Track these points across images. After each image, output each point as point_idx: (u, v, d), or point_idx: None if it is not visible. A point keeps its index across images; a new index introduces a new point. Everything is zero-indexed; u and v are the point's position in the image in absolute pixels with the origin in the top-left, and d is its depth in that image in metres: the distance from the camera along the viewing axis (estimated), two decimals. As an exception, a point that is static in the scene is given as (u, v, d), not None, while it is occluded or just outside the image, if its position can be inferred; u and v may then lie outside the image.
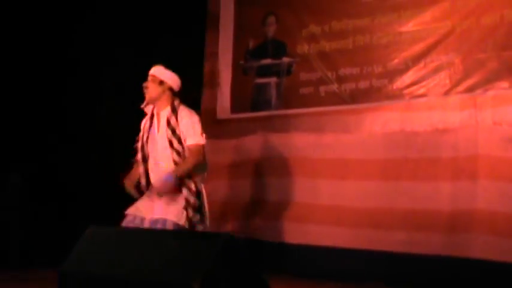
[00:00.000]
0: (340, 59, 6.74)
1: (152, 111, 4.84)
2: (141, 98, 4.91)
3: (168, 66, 7.26)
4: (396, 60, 6.36)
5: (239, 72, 7.55)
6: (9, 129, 7.26)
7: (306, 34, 7.02)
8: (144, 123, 4.87)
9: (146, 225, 4.63)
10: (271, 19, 7.33)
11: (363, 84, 6.57)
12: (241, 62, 7.52)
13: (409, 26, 6.30)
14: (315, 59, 6.92)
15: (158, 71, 4.83)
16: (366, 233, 6.27)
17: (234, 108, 7.56)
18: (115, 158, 7.05)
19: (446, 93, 6.02)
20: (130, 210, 4.72)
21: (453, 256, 5.72)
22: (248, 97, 7.46)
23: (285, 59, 7.18)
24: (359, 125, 6.55)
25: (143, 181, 4.73)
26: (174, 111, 4.73)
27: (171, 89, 4.80)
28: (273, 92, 7.25)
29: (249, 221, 7.14)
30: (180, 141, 4.65)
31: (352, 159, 6.53)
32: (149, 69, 7.17)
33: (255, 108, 7.39)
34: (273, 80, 7.26)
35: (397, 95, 6.33)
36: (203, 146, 4.73)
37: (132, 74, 7.03)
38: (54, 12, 7.22)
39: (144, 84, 4.77)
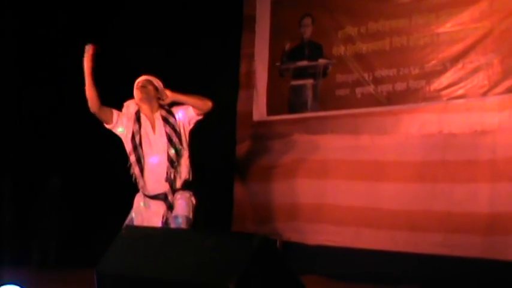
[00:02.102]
0: (377, 61, 6.70)
1: (135, 115, 4.86)
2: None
3: (204, 67, 7.35)
4: (434, 62, 6.30)
5: (275, 74, 7.55)
6: (50, 133, 7.38)
7: (342, 35, 6.99)
8: (131, 126, 4.85)
9: None
10: (308, 20, 7.31)
11: (400, 86, 6.52)
12: (278, 63, 7.52)
13: (447, 27, 6.23)
14: (351, 61, 6.88)
15: (154, 79, 4.90)
16: (403, 235, 6.23)
17: (270, 110, 7.56)
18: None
19: (485, 94, 5.95)
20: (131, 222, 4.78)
21: (491, 259, 5.65)
22: (284, 99, 7.45)
23: (321, 61, 7.15)
24: (396, 127, 6.50)
25: (142, 182, 4.76)
26: (169, 111, 4.85)
27: (159, 98, 4.90)
28: (309, 94, 7.23)
29: (284, 223, 7.13)
30: (180, 139, 4.76)
31: (389, 161, 6.48)
32: (187, 71, 7.22)
33: (291, 110, 7.38)
34: (309, 81, 7.24)
35: (434, 97, 6.27)
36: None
37: (169, 76, 7.10)
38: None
39: (144, 83, 4.82)
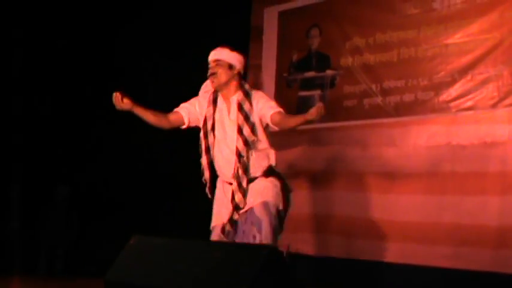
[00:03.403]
0: (385, 72, 6.68)
1: (213, 95, 4.38)
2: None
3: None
4: (442, 73, 6.27)
5: (283, 84, 7.54)
6: (57, 142, 7.39)
7: (350, 46, 6.98)
8: (206, 108, 4.37)
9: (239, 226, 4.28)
10: (315, 31, 7.31)
11: (408, 97, 6.50)
12: (285, 74, 7.51)
13: (456, 38, 6.21)
14: (359, 72, 6.87)
15: (225, 54, 4.34)
16: (411, 248, 6.18)
17: (278, 121, 7.52)
18: (161, 168, 7.12)
19: (494, 106, 5.92)
20: (217, 222, 4.36)
21: (501, 272, 5.60)
22: (292, 110, 7.35)
23: (329, 72, 7.14)
24: (404, 138, 6.47)
25: (207, 174, 4.32)
26: (248, 95, 4.33)
27: (239, 73, 4.38)
28: (317, 105, 7.20)
29: (292, 234, 7.06)
30: (253, 130, 4.27)
31: (397, 173, 6.44)
32: (194, 81, 7.23)
33: (298, 121, 7.34)
34: (316, 92, 7.23)
35: (443, 108, 6.24)
36: None
37: (173, 86, 7.12)
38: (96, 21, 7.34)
39: (212, 70, 4.31)
